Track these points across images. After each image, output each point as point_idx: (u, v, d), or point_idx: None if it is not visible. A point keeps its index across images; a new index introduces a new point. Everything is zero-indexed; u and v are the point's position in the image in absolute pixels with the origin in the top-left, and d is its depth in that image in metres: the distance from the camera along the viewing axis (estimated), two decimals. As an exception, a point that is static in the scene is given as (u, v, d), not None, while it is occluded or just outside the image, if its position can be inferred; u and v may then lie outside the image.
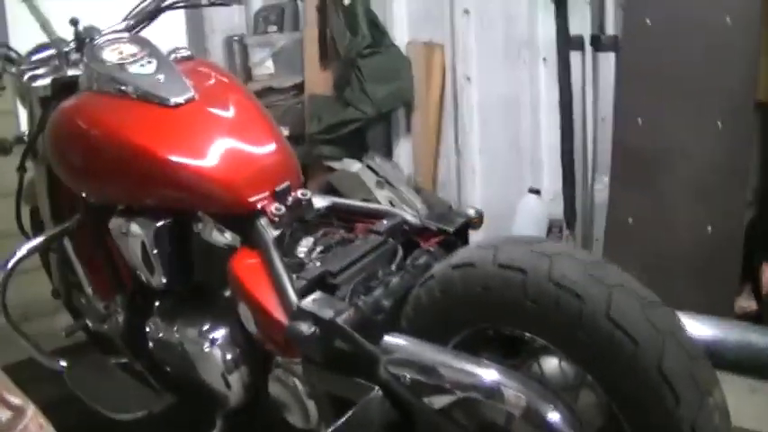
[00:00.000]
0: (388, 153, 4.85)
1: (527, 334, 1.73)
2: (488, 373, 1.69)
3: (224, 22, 5.25)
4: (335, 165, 4.70)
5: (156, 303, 2.53)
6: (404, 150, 4.77)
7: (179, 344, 2.38)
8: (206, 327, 2.32)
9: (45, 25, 2.67)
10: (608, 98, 3.58)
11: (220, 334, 2.30)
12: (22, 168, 2.76)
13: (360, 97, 4.54)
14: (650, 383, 1.54)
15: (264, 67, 5.05)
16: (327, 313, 1.87)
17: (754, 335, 1.91)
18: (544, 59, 3.93)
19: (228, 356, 2.28)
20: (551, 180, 3.99)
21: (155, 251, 2.34)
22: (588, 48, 3.65)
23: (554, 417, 1.61)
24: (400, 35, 4.63)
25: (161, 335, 2.45)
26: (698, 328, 1.78)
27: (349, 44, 4.54)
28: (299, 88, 5.01)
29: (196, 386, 2.42)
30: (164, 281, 2.40)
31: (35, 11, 2.63)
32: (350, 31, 4.57)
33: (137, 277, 2.50)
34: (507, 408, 1.67)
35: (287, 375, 2.13)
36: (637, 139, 3.36)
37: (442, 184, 4.67)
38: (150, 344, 2.50)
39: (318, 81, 4.90)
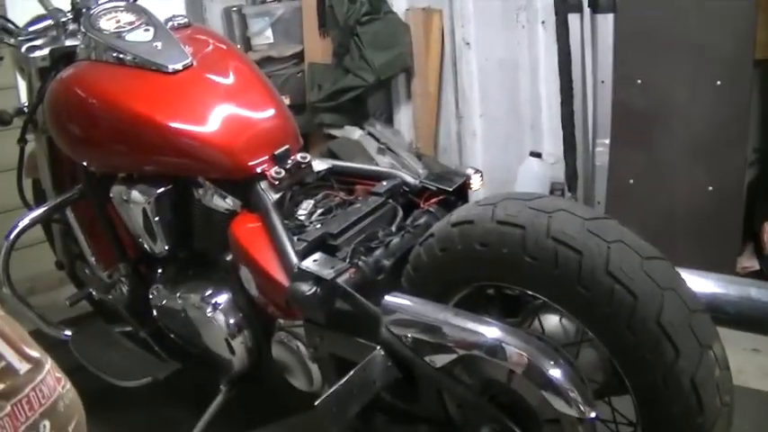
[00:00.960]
0: (388, 120, 4.85)
1: (527, 291, 1.74)
2: (490, 331, 1.69)
3: (223, -7, 5.24)
4: (336, 132, 4.70)
5: (159, 271, 2.55)
6: (404, 116, 4.78)
7: (182, 310, 2.39)
8: (208, 292, 2.34)
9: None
10: (607, 60, 3.56)
11: (223, 299, 2.32)
12: (22, 140, 2.76)
13: (359, 64, 4.54)
14: (649, 337, 1.54)
15: (263, 36, 5.03)
16: (328, 273, 1.88)
17: (755, 290, 1.90)
18: (543, 23, 3.91)
19: (231, 321, 2.30)
20: (552, 143, 3.98)
21: (156, 218, 2.36)
22: (586, 9, 3.63)
23: (555, 373, 1.61)
24: (398, 1, 4.62)
25: (164, 302, 2.47)
26: (698, 283, 1.77)
27: (347, 11, 4.53)
28: (299, 57, 5.01)
29: (200, 352, 2.45)
30: (165, 247, 2.41)
31: None
32: (347, -1, 4.56)
33: (139, 245, 2.51)
34: (509, 365, 1.68)
35: (289, 338, 2.15)
36: (636, 100, 3.36)
37: (443, 150, 4.67)
38: (154, 311, 2.52)
39: (318, 49, 4.89)
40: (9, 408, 0.82)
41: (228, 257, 2.24)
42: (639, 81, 3.32)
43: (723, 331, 1.66)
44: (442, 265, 1.83)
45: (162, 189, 2.35)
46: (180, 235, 2.42)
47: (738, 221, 3.16)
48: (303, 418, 2.36)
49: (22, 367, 0.86)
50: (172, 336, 2.56)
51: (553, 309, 1.74)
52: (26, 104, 2.73)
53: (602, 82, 3.64)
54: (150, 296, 2.52)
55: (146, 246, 2.46)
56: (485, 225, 1.73)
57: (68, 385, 0.92)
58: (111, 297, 2.75)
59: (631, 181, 3.39)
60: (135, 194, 2.36)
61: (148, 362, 2.62)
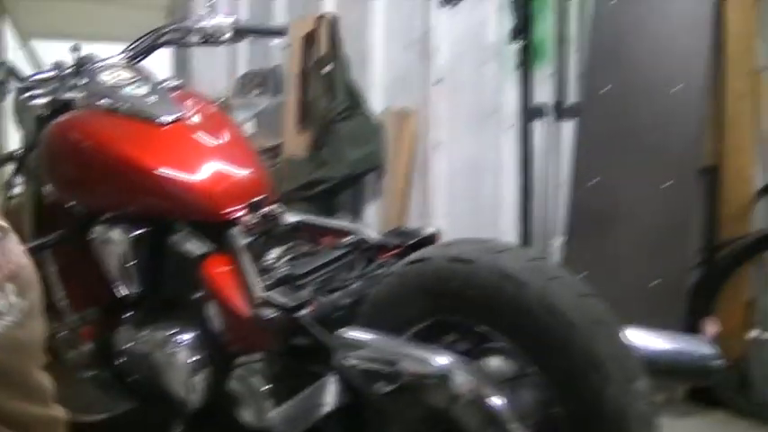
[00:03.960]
0: (357, 215, 4.98)
1: (471, 322, 1.88)
2: (434, 360, 1.81)
3: (210, 85, 5.44)
4: (306, 223, 4.79)
5: (129, 314, 2.64)
6: (372, 212, 4.93)
7: (145, 351, 2.49)
8: (172, 331, 2.44)
9: (40, 66, 2.84)
10: (567, 163, 3.75)
11: (186, 338, 2.42)
12: (8, 186, 2.89)
13: (334, 158, 4.71)
14: (581, 366, 1.69)
15: (246, 127, 5.21)
16: (289, 303, 2.03)
17: (685, 343, 2.08)
18: (511, 126, 4.09)
19: (193, 359, 2.39)
20: (510, 239, 4.11)
21: (133, 257, 2.48)
22: (551, 116, 3.84)
23: (494, 403, 1.73)
24: (377, 101, 4.83)
25: (129, 343, 2.56)
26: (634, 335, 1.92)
27: (326, 108, 4.72)
28: (279, 150, 5.17)
29: (161, 391, 2.52)
30: (140, 288, 2.52)
31: (32, 55, 2.83)
32: (328, 96, 4.77)
33: (112, 289, 2.61)
34: (450, 393, 1.79)
35: (247, 372, 2.25)
36: (590, 200, 3.54)
37: (407, 246, 4.76)
38: (119, 353, 2.60)
39: (296, 143, 5.07)
40: None
41: (197, 295, 2.36)
42: (594, 182, 3.52)
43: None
44: (398, 301, 1.97)
45: (140, 230, 2.48)
46: (154, 276, 2.54)
47: (680, 314, 3.31)
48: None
49: None
50: (134, 376, 2.63)
51: (498, 344, 1.86)
52: (16, 151, 2.86)
53: (563, 183, 3.83)
54: (116, 337, 2.61)
55: (119, 287, 2.57)
56: (438, 262, 1.90)
57: (28, 260, 0.98)
58: (76, 338, 2.82)
59: (583, 274, 3.54)
60: (115, 233, 2.49)
61: (106, 398, 2.69)
